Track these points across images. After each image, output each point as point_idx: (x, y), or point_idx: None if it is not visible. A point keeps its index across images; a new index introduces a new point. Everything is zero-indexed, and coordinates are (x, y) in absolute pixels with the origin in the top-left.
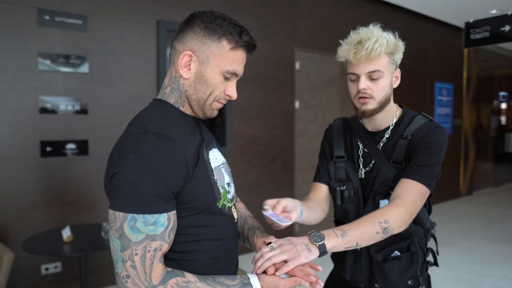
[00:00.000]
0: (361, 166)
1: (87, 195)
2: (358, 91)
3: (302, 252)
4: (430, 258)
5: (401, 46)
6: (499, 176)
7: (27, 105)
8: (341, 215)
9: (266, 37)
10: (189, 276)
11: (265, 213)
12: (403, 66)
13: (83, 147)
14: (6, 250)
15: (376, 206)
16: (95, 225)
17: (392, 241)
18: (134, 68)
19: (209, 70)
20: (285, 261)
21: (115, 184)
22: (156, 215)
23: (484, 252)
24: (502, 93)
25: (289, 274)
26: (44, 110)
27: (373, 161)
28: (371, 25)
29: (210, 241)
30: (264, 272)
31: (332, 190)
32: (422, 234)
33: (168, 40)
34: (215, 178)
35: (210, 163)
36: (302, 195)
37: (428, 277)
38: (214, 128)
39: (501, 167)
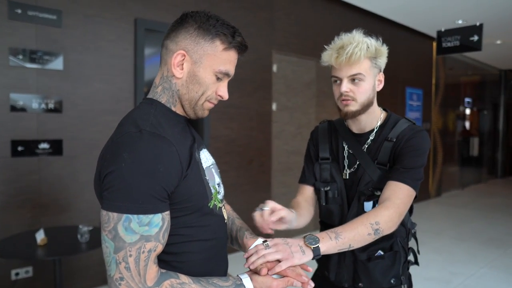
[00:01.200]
0: (346, 167)
1: (61, 196)
2: (341, 94)
3: (296, 253)
4: (411, 257)
5: (384, 51)
6: (464, 178)
7: None
8: (326, 215)
9: (244, 39)
10: (184, 278)
11: (256, 214)
12: None
13: (56, 147)
14: None
15: (360, 207)
16: (71, 227)
17: (376, 241)
18: (110, 66)
19: (202, 70)
20: (278, 261)
21: (109, 184)
22: (151, 216)
23: (453, 251)
24: (467, 99)
25: (281, 275)
26: (15, 108)
27: (358, 162)
28: (354, 31)
29: (202, 242)
30: (257, 272)
31: (317, 191)
32: (404, 234)
33: (146, 39)
34: (207, 178)
35: (201, 163)
36: (279, 197)
37: (410, 276)
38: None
39: (466, 169)
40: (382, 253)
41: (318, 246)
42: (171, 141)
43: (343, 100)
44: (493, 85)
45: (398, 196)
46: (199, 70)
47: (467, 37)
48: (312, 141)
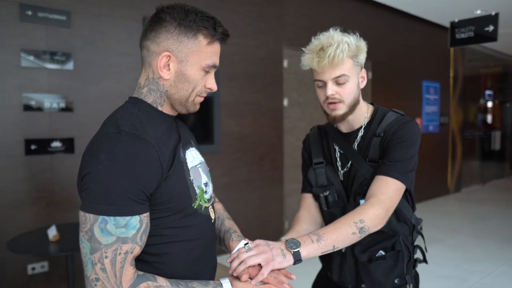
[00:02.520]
0: (339, 169)
1: (73, 193)
2: (327, 97)
3: (276, 257)
4: (419, 255)
5: (363, 46)
6: (485, 173)
7: (10, 102)
8: (329, 220)
9: (254, 34)
10: (161, 281)
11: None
12: (391, 65)
13: (68, 145)
14: None
15: (357, 206)
16: None
17: (377, 240)
18: (120, 65)
19: (189, 68)
20: (260, 265)
21: (86, 185)
22: (128, 218)
23: (470, 249)
24: (488, 92)
25: (263, 282)
26: (28, 108)
27: (349, 162)
28: (331, 30)
29: (185, 242)
30: (237, 277)
31: (316, 197)
32: (408, 232)
33: None
34: (191, 178)
35: (186, 163)
36: (291, 193)
37: (416, 274)
38: (202, 126)
39: (487, 164)
40: (383, 253)
41: (298, 250)
42: (151, 142)
43: (329, 103)
44: None
45: (383, 191)
46: (187, 69)
47: (482, 27)
48: (305, 149)
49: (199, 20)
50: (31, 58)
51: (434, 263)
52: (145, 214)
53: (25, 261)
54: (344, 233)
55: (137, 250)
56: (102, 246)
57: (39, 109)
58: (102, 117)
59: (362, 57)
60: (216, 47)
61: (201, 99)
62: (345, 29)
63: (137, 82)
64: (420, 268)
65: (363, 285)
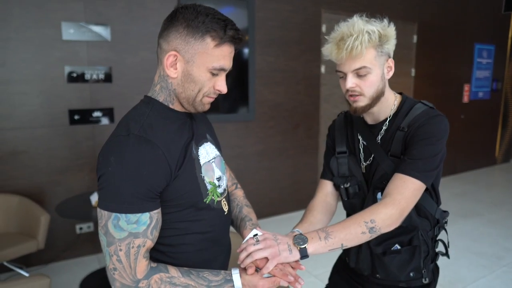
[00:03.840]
0: (362, 160)
1: None
2: (347, 89)
3: (283, 252)
4: (441, 248)
5: (390, 33)
6: None
7: (54, 74)
8: (350, 209)
9: None
10: (173, 271)
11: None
12: (439, 26)
13: (108, 115)
14: (43, 212)
15: (375, 200)
16: None
17: (393, 234)
18: (155, 35)
19: (195, 69)
20: (267, 258)
21: (100, 185)
22: (139, 215)
23: (511, 226)
24: None
25: (269, 273)
26: (70, 79)
27: (372, 155)
28: (354, 17)
29: (197, 234)
30: (244, 269)
31: (337, 187)
32: (429, 227)
33: None
34: (202, 175)
35: (199, 159)
36: None
37: (435, 268)
38: (236, 94)
39: None
40: (399, 247)
41: (305, 247)
42: (158, 144)
43: (350, 95)
44: None
45: (400, 191)
46: (193, 69)
47: None
48: (330, 136)
49: (209, 22)
50: (71, 31)
51: (469, 238)
52: (155, 211)
53: (73, 222)
54: (353, 232)
55: (149, 244)
56: (116, 240)
57: (81, 80)
58: (139, 88)
59: (389, 46)
60: (225, 50)
61: (211, 100)
62: (373, 14)
63: (153, 79)
64: (455, 242)
65: (377, 275)
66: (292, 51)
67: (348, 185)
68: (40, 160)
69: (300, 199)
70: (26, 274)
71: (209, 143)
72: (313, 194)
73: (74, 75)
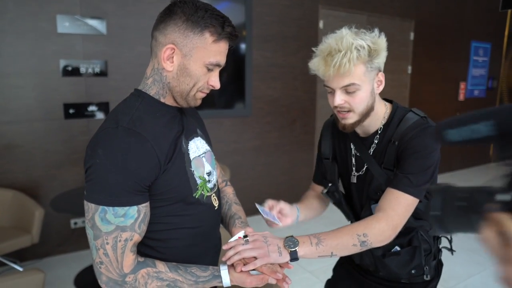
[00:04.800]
0: (354, 170)
1: None
2: (335, 106)
3: (272, 253)
4: (446, 244)
5: (380, 48)
6: None
7: (49, 68)
8: (342, 211)
9: None
10: (160, 266)
11: (258, 206)
12: (436, 24)
13: (104, 109)
14: (37, 206)
15: (370, 211)
16: None
17: None
18: (151, 28)
19: (192, 63)
20: (255, 257)
21: (88, 177)
22: (126, 208)
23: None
24: None
25: (258, 271)
26: (65, 73)
27: (365, 166)
28: (343, 30)
29: (186, 229)
30: (233, 266)
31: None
32: (429, 227)
33: None
34: (192, 169)
35: (188, 154)
36: None
37: (438, 264)
38: (233, 89)
39: None
40: (398, 248)
41: (295, 250)
42: (147, 137)
43: (338, 111)
44: None
45: (393, 207)
46: (189, 63)
47: None
48: (321, 137)
49: (208, 17)
50: (67, 24)
51: (463, 235)
52: (143, 204)
53: (68, 216)
54: (344, 243)
55: (137, 238)
56: (103, 233)
57: (76, 74)
58: (136, 82)
59: (380, 60)
60: (222, 46)
61: (203, 95)
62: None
63: (145, 72)
64: (452, 241)
65: (380, 273)
66: (289, 46)
67: (326, 191)
68: (35, 154)
69: (296, 195)
70: (20, 269)
71: (199, 138)
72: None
73: (70, 68)
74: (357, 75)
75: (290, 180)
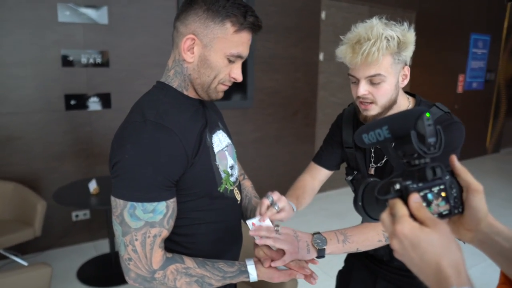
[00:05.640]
0: (372, 162)
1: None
2: (358, 96)
3: (301, 249)
4: None
5: (409, 40)
6: None
7: (49, 58)
8: None
9: None
10: (189, 262)
11: (249, 222)
12: (437, 15)
13: (105, 100)
14: (39, 199)
15: None
16: None
17: None
18: (154, 18)
19: (213, 54)
20: (283, 252)
21: (116, 173)
22: (155, 203)
23: (503, 214)
24: None
25: (284, 266)
26: (66, 63)
27: (385, 158)
28: (373, 19)
29: (211, 224)
30: (260, 261)
31: (345, 178)
32: None
33: None
34: (217, 163)
35: (213, 147)
36: None
37: None
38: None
39: None
40: None
41: (324, 248)
42: (175, 131)
43: (361, 102)
44: None
45: None
46: (210, 54)
47: None
48: (337, 125)
49: (229, 6)
50: (67, 13)
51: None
52: (171, 200)
53: (70, 209)
54: (370, 239)
55: (165, 233)
56: (132, 229)
57: (77, 64)
58: (138, 72)
59: (407, 53)
60: (244, 37)
61: (225, 88)
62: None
63: (167, 64)
64: None
65: (395, 263)
66: (291, 37)
67: (352, 178)
68: (36, 146)
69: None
70: (23, 263)
71: (221, 131)
72: None
73: (71, 58)
74: (383, 66)
75: (290, 172)
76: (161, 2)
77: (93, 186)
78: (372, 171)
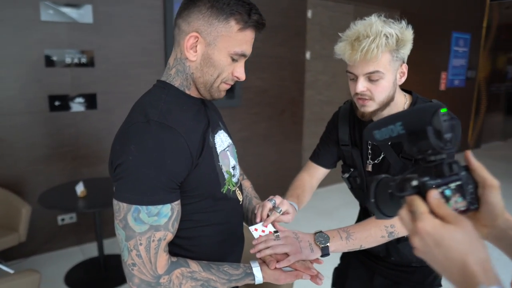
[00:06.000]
0: (369, 159)
1: (97, 149)
2: (356, 92)
3: (304, 249)
4: None
5: (408, 38)
6: (508, 128)
7: (32, 58)
8: (355, 197)
9: None
10: (194, 266)
11: (253, 231)
12: (421, 15)
13: (91, 101)
14: (24, 204)
15: None
16: (108, 179)
17: None
18: (141, 17)
19: (216, 52)
20: (287, 254)
21: (119, 175)
22: (160, 206)
23: None
24: None
25: (290, 267)
26: (50, 63)
27: (382, 155)
28: (372, 17)
29: (215, 226)
30: (265, 263)
31: (341, 176)
32: None
33: None
34: (220, 164)
35: (215, 148)
36: (310, 147)
37: None
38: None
39: (511, 120)
40: None
41: (327, 245)
42: (179, 131)
43: (359, 99)
44: None
45: None
46: (214, 53)
47: None
48: (333, 123)
49: (234, 4)
50: (51, 11)
51: None
52: (176, 202)
53: (55, 213)
54: (373, 235)
55: (170, 237)
56: (136, 234)
57: (61, 64)
58: (124, 72)
59: (405, 50)
60: (248, 35)
61: (227, 87)
62: (392, 15)
63: (167, 62)
64: None
65: (392, 258)
66: (278, 36)
67: (348, 175)
68: (20, 149)
69: (285, 186)
70: (9, 270)
71: (222, 131)
72: None
73: (54, 58)
74: (382, 63)
75: (278, 171)
76: (147, 1)
77: (80, 188)
78: (369, 168)
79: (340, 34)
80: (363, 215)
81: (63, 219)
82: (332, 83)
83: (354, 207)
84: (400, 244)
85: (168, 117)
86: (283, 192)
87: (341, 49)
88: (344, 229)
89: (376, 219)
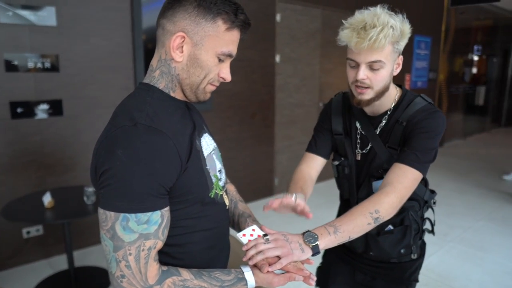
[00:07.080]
0: (358, 148)
1: (64, 156)
2: (356, 79)
3: (295, 250)
4: (428, 226)
5: (407, 32)
6: (467, 127)
7: None
8: (338, 186)
9: None
10: (185, 274)
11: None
12: None
13: (56, 107)
14: None
15: (369, 188)
16: (76, 188)
17: None
18: (107, 20)
19: (203, 53)
20: (278, 257)
21: (105, 182)
22: (149, 213)
23: (452, 204)
24: (476, 46)
25: (282, 270)
26: (10, 68)
27: (370, 145)
28: (378, 7)
29: (203, 232)
30: (257, 267)
31: (331, 163)
32: (418, 207)
33: None
34: (208, 167)
35: (202, 151)
36: (282, 150)
37: (422, 244)
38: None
39: (470, 118)
40: (392, 227)
41: (317, 244)
42: (168, 134)
43: (357, 86)
44: (506, 30)
45: (400, 180)
46: (201, 53)
47: None
48: (326, 114)
49: (220, 3)
50: (10, 13)
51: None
52: (165, 209)
53: (19, 225)
54: (359, 224)
55: (160, 245)
56: (125, 244)
57: (23, 69)
58: (91, 77)
59: (403, 43)
60: (234, 35)
61: (213, 88)
62: (393, 8)
63: (150, 64)
64: None
65: (371, 253)
66: (248, 40)
67: (339, 163)
68: None
69: (257, 189)
70: None
71: (207, 134)
72: (270, 183)
73: (15, 63)
74: (385, 53)
75: (251, 174)
76: (114, 3)
77: (47, 199)
78: (358, 157)
79: (343, 21)
80: (344, 209)
81: (28, 232)
82: (301, 86)
83: (331, 207)
84: (380, 237)
85: (155, 120)
86: (255, 195)
87: (348, 36)
88: (330, 224)
89: (361, 208)
